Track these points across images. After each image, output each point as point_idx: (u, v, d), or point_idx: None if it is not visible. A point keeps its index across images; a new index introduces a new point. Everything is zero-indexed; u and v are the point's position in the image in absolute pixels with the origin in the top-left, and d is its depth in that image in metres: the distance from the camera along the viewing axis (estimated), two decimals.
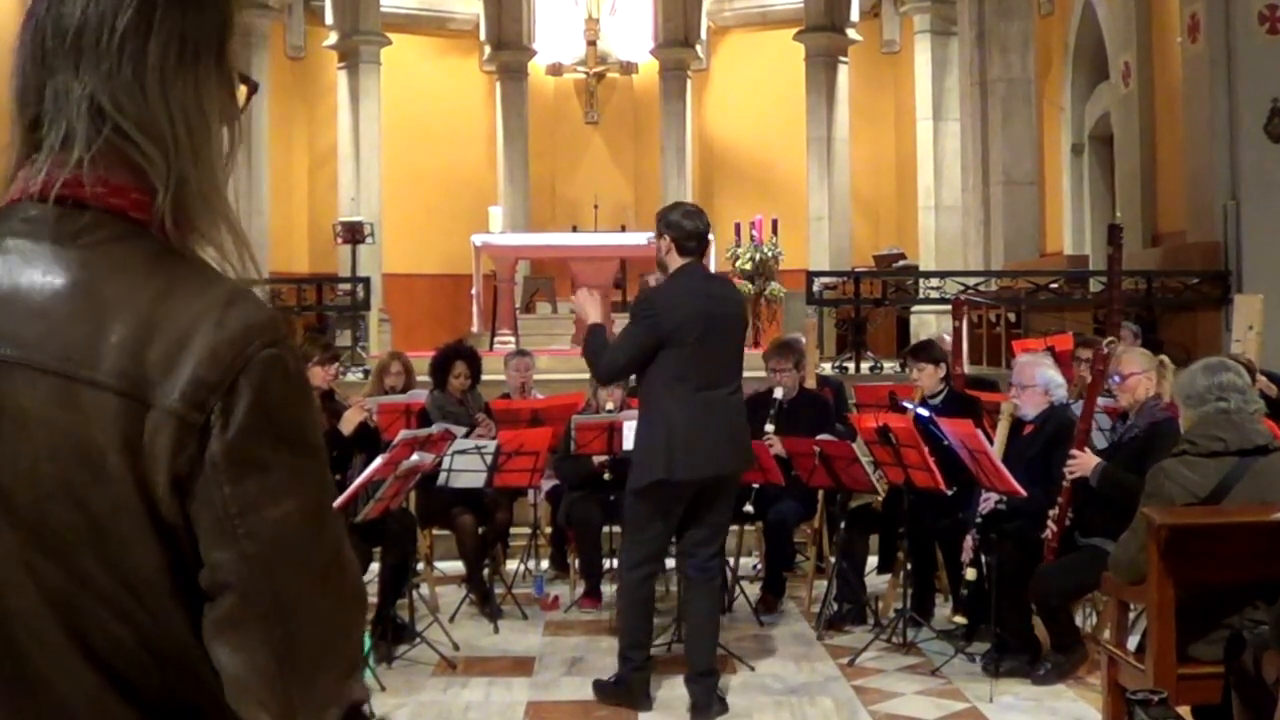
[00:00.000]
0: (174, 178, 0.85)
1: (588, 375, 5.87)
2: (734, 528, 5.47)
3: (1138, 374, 4.15)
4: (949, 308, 7.72)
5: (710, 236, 4.15)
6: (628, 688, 4.04)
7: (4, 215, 0.87)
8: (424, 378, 5.86)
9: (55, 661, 0.83)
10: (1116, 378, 4.18)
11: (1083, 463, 4.08)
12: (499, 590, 5.31)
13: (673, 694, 4.17)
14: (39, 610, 0.82)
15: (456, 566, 5.64)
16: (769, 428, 5.21)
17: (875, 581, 5.37)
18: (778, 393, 5.37)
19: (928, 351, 5.35)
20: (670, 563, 4.50)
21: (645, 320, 3.92)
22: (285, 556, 0.83)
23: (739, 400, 4.05)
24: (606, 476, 5.32)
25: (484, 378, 5.91)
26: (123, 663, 0.83)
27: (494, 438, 5.24)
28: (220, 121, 0.89)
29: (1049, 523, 4.13)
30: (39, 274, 0.84)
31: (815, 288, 8.69)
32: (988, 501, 4.44)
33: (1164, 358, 4.41)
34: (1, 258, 0.85)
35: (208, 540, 0.82)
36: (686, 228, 3.94)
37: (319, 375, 4.84)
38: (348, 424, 4.73)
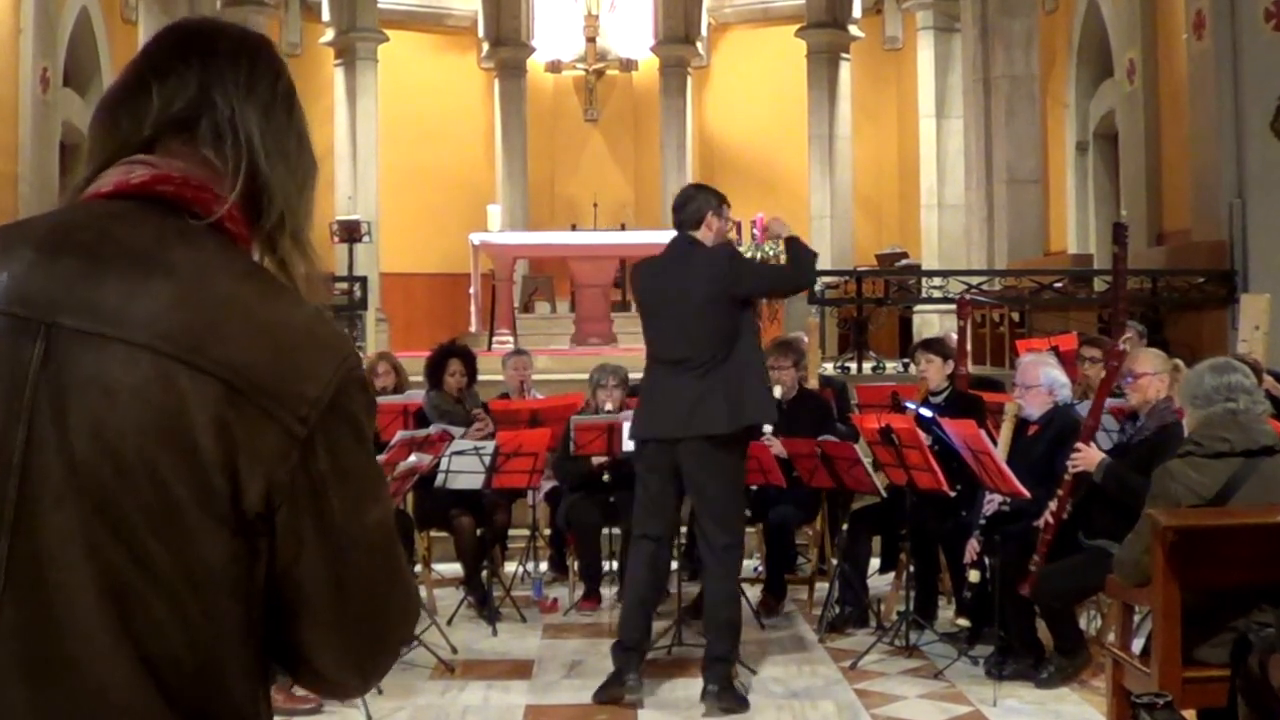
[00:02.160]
0: (289, 210, 0.96)
1: (586, 375, 5.86)
2: None
3: (1150, 374, 4.11)
4: (952, 307, 7.68)
5: (686, 212, 4.16)
6: (615, 671, 4.04)
7: (109, 205, 0.92)
8: (417, 377, 5.82)
9: (95, 648, 0.82)
10: (1129, 377, 4.14)
11: (1087, 457, 4.02)
12: (497, 593, 5.27)
13: (673, 695, 4.14)
14: (89, 591, 0.82)
15: (454, 569, 5.60)
16: (768, 428, 5.16)
17: (878, 584, 5.32)
18: (776, 392, 5.31)
19: (937, 345, 5.35)
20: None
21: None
22: (377, 557, 0.90)
23: (694, 377, 3.98)
24: (606, 478, 5.27)
25: (483, 377, 5.87)
26: (162, 657, 0.83)
27: (491, 434, 5.19)
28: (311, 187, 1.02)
29: (1046, 515, 4.08)
30: (147, 262, 0.88)
31: (817, 287, 8.64)
32: (991, 503, 4.39)
33: (1179, 361, 4.37)
34: (108, 241, 0.89)
35: (310, 546, 0.87)
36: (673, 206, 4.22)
37: None
38: None
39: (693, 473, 4.02)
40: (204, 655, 0.85)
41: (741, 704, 4.00)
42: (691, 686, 4.12)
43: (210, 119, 0.94)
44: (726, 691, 3.98)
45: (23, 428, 0.84)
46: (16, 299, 0.87)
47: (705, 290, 4.00)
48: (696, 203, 4.14)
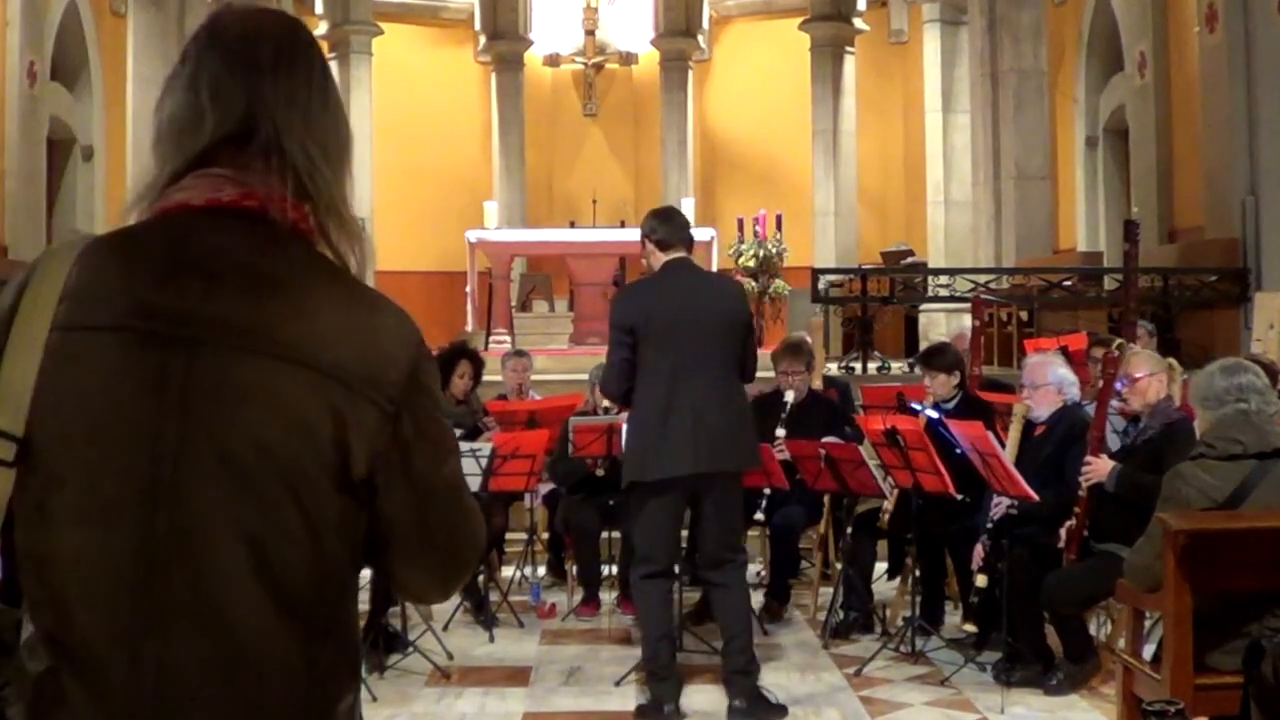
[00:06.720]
0: (337, 198, 1.13)
1: (585, 375, 5.78)
2: None
3: (1146, 376, 4.08)
4: (959, 306, 7.59)
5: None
6: (653, 701, 3.95)
7: (206, 219, 1.09)
8: None
9: (235, 590, 1.05)
10: (1125, 381, 4.08)
11: (1098, 468, 4.01)
12: (494, 598, 5.20)
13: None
14: (231, 547, 1.05)
15: None
16: (780, 432, 5.06)
17: (883, 589, 5.25)
18: (788, 395, 5.22)
19: (942, 358, 5.12)
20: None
21: (611, 325, 4.09)
22: (451, 498, 1.14)
23: (718, 393, 3.88)
24: (600, 472, 5.21)
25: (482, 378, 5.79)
26: (293, 588, 1.07)
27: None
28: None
29: (1064, 531, 4.04)
30: (256, 277, 1.08)
31: (821, 285, 8.58)
32: (999, 506, 4.31)
33: (1172, 360, 4.32)
34: (219, 257, 1.08)
35: (401, 496, 1.10)
36: (659, 228, 4.03)
37: None
38: None
39: (718, 501, 3.94)
40: (320, 586, 1.08)
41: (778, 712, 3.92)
42: (691, 694, 4.07)
43: (260, 135, 1.10)
44: (758, 705, 3.89)
45: (174, 425, 1.04)
46: (153, 314, 1.05)
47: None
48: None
